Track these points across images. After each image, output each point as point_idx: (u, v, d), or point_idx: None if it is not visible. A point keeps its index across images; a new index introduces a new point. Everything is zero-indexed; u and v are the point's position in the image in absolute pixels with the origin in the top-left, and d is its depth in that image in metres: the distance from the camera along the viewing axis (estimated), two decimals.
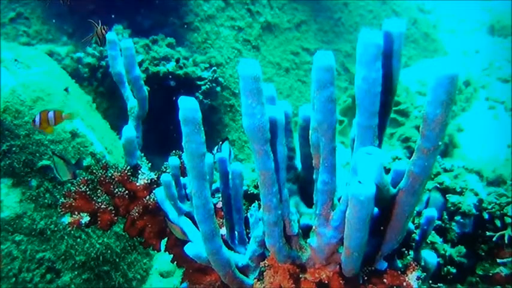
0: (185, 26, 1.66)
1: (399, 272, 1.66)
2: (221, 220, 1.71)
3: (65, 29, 1.66)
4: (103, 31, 1.59)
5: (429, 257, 1.70)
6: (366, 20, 1.56)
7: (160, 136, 1.71)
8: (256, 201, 1.70)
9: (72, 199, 1.70)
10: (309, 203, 1.69)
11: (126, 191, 1.72)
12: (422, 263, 1.69)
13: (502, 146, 1.64)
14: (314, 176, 1.65)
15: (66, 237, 1.73)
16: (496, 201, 1.73)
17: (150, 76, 1.66)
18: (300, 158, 1.70)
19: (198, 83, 1.64)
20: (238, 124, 1.63)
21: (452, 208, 1.72)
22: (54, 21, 1.61)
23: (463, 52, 1.59)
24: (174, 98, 1.63)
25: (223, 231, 1.69)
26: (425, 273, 1.69)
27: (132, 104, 1.72)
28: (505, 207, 1.72)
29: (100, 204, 1.70)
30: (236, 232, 1.69)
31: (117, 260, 1.73)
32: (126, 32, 1.63)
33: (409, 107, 1.61)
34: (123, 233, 1.75)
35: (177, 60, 1.60)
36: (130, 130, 1.72)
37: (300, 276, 1.65)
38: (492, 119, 1.63)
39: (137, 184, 1.72)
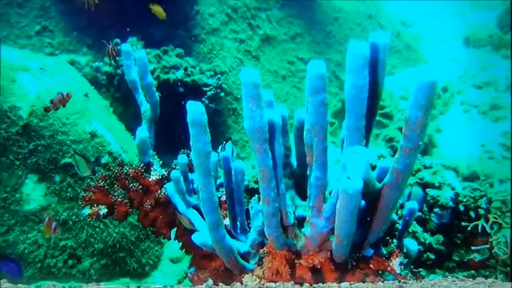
0: (192, 38, 1.66)
1: (384, 258, 1.67)
2: (225, 212, 1.71)
3: (85, 41, 1.65)
4: (113, 52, 1.58)
5: (411, 244, 1.70)
6: (355, 32, 1.55)
7: (170, 136, 1.70)
8: (256, 194, 1.70)
9: (91, 193, 1.71)
10: (303, 196, 1.69)
11: (140, 186, 1.72)
12: (405, 250, 1.69)
13: (476, 145, 1.64)
14: (308, 172, 1.66)
15: (86, 227, 1.74)
16: (470, 195, 1.73)
17: (161, 83, 1.66)
18: (295, 156, 1.70)
19: (204, 89, 1.64)
20: (240, 126, 1.63)
21: (431, 201, 1.73)
22: (75, 33, 1.61)
23: (442, 61, 1.59)
24: (182, 103, 1.63)
25: (227, 221, 1.69)
26: (407, 259, 1.70)
27: (145, 107, 1.72)
28: (478, 200, 1.72)
29: (116, 197, 1.71)
30: (238, 222, 1.69)
31: (132, 247, 1.74)
32: (140, 43, 1.63)
33: (393, 111, 1.61)
34: (137, 223, 1.76)
35: (185, 69, 1.59)
36: (143, 131, 1.72)
37: (295, 261, 1.65)
38: (467, 121, 1.62)
39: (150, 179, 1.73)
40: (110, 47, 1.56)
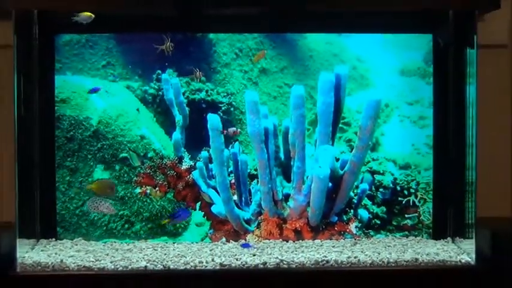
0: (211, 70, 1.68)
1: (344, 223, 1.65)
2: (234, 191, 1.68)
3: (137, 72, 1.66)
4: (199, 74, 1.60)
5: (363, 213, 1.70)
6: (324, 65, 1.59)
7: (196, 138, 1.72)
8: (255, 179, 1.68)
9: (141, 178, 1.70)
10: (289, 180, 1.68)
11: (175, 173, 1.71)
12: (359, 217, 1.69)
13: (408, 144, 1.66)
14: (291, 163, 1.66)
15: (137, 201, 1.73)
16: (404, 179, 1.73)
17: (190, 101, 1.67)
18: (283, 152, 1.71)
19: (220, 105, 1.65)
20: (244, 131, 1.65)
21: (377, 183, 1.73)
22: (130, 66, 1.62)
23: (384, 86, 1.61)
24: (204, 115, 1.64)
25: (235, 197, 1.68)
26: (360, 224, 1.69)
27: (178, 118, 1.71)
28: (410, 182, 1.73)
29: (158, 180, 1.70)
30: (243, 198, 1.69)
31: (168, 214, 1.73)
32: (175, 74, 1.64)
33: (351, 120, 1.62)
34: (173, 199, 1.74)
35: (206, 91, 1.61)
36: (177, 134, 1.72)
37: (283, 225, 1.65)
38: (402, 128, 1.65)
39: (181, 168, 1.72)
40: (198, 72, 1.59)
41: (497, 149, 1.80)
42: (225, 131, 1.57)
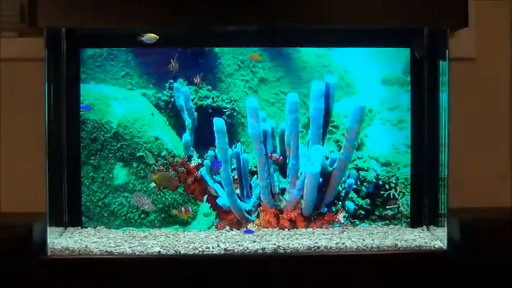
0: (217, 79, 1.68)
1: (333, 213, 1.66)
2: (236, 185, 1.68)
3: (151, 81, 1.66)
4: (199, 83, 1.62)
5: (350, 205, 1.70)
6: (315, 75, 1.59)
7: (203, 139, 1.71)
8: (255, 175, 1.68)
9: (155, 174, 1.69)
10: (284, 176, 1.68)
11: (185, 169, 1.70)
12: (346, 209, 1.69)
13: (389, 145, 1.67)
14: (287, 161, 1.68)
15: (152, 194, 1.72)
16: (386, 175, 1.74)
17: (198, 106, 1.66)
18: (279, 151, 1.70)
19: (224, 110, 1.64)
20: (246, 133, 1.66)
21: (362, 178, 1.71)
22: (145, 77, 1.62)
23: (368, 94, 1.60)
24: (211, 119, 1.66)
25: (238, 191, 1.68)
26: (347, 214, 1.69)
27: (188, 121, 1.71)
28: (390, 178, 1.72)
29: (170, 176, 1.70)
30: (245, 191, 1.69)
31: (180, 207, 1.72)
32: (185, 82, 1.63)
33: (339, 124, 1.61)
34: (183, 192, 1.73)
35: (212, 98, 1.61)
36: (187, 136, 1.71)
37: (279, 215, 1.66)
38: (384, 130, 1.64)
39: (191, 165, 1.71)
40: (197, 79, 1.60)
41: (466, 148, 1.81)
42: (271, 155, 1.60)
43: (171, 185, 1.66)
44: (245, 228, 1.65)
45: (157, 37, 1.55)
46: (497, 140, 1.89)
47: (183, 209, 1.64)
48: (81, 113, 1.67)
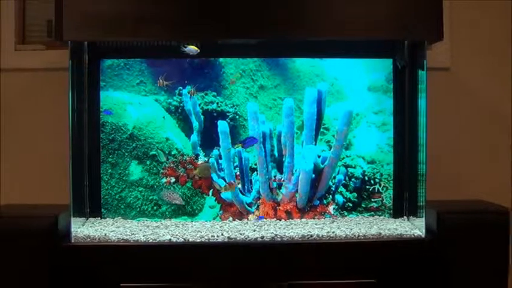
0: (221, 86, 1.68)
1: (325, 206, 1.67)
2: (238, 180, 1.68)
3: (163, 88, 1.67)
4: (193, 93, 1.64)
5: (339, 198, 1.70)
6: (309, 83, 1.59)
7: (209, 140, 1.71)
8: (255, 171, 1.67)
9: (166, 170, 1.69)
10: (281, 172, 1.68)
11: (193, 166, 1.70)
12: (336, 201, 1.69)
13: (374, 145, 1.67)
14: (283, 159, 1.68)
15: (163, 188, 1.70)
16: (371, 171, 1.73)
17: (204, 110, 1.65)
18: (277, 150, 1.70)
19: (227, 114, 1.63)
20: (246, 134, 1.65)
21: (350, 175, 1.72)
22: (157, 85, 1.62)
23: (356, 99, 1.60)
24: (215, 121, 1.66)
25: (240, 186, 1.68)
26: (337, 206, 1.69)
27: (195, 124, 1.71)
28: (375, 174, 1.72)
29: (180, 172, 1.70)
30: (246, 186, 1.69)
31: (188, 200, 1.71)
32: (193, 89, 1.62)
33: (329, 126, 1.59)
34: (191, 187, 1.72)
35: (217, 103, 1.60)
36: (194, 137, 1.71)
37: (277, 207, 1.66)
38: (369, 132, 1.64)
39: (198, 163, 1.70)
40: (191, 90, 1.62)
41: (442, 148, 1.84)
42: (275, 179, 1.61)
43: (209, 174, 1.64)
44: (245, 219, 1.66)
45: (198, 50, 1.54)
46: (470, 141, 1.92)
47: (227, 185, 1.62)
48: (101, 116, 1.68)
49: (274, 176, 1.68)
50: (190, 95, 1.61)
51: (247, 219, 1.66)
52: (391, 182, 1.71)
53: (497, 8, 1.88)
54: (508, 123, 1.94)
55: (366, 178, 1.71)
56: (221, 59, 1.72)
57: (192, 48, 1.52)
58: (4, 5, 1.85)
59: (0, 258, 1.41)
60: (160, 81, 1.62)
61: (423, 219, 1.53)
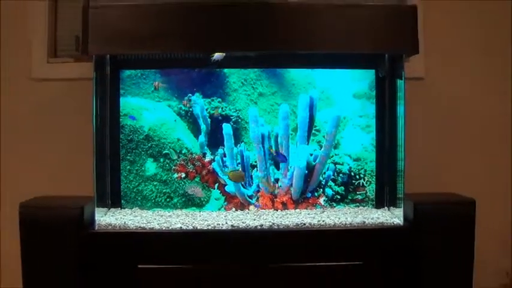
0: (225, 93, 1.68)
1: (316, 198, 1.68)
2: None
3: (174, 95, 1.67)
4: (188, 103, 1.66)
5: (328, 191, 1.71)
6: (302, 90, 1.59)
7: (215, 140, 1.72)
8: (255, 168, 1.68)
9: (177, 167, 1.70)
10: (278, 169, 1.69)
11: (200, 164, 1.70)
12: (326, 194, 1.70)
13: (359, 144, 1.68)
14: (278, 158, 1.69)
15: (175, 183, 1.68)
16: (356, 168, 1.72)
17: (210, 115, 1.66)
18: (274, 149, 1.70)
19: (231, 117, 1.63)
20: (248, 135, 1.64)
21: (338, 171, 1.72)
22: (169, 91, 1.63)
23: (343, 105, 1.59)
24: (221, 124, 1.67)
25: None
26: (327, 198, 1.70)
27: (203, 126, 1.71)
28: (360, 170, 1.72)
29: (189, 169, 1.70)
30: (247, 181, 1.70)
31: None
32: (200, 96, 1.61)
33: (320, 128, 1.57)
34: (199, 181, 1.72)
35: (222, 108, 1.61)
36: (202, 138, 1.71)
37: (274, 199, 1.67)
38: (355, 133, 1.63)
39: (205, 160, 1.71)
40: (185, 101, 1.64)
41: (419, 147, 1.86)
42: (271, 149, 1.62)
43: (243, 181, 1.66)
44: (246, 209, 1.66)
45: (224, 55, 1.56)
46: (442, 141, 1.95)
47: (272, 184, 1.62)
48: (121, 119, 1.69)
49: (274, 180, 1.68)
50: (155, 87, 1.63)
51: (248, 209, 1.67)
52: (374, 177, 1.72)
53: (468, 20, 1.90)
54: (476, 124, 1.97)
55: (352, 174, 1.72)
56: (225, 70, 1.73)
57: (219, 55, 1.53)
58: (37, 23, 1.89)
59: (34, 244, 1.43)
60: (156, 84, 1.65)
61: (401, 209, 1.54)
